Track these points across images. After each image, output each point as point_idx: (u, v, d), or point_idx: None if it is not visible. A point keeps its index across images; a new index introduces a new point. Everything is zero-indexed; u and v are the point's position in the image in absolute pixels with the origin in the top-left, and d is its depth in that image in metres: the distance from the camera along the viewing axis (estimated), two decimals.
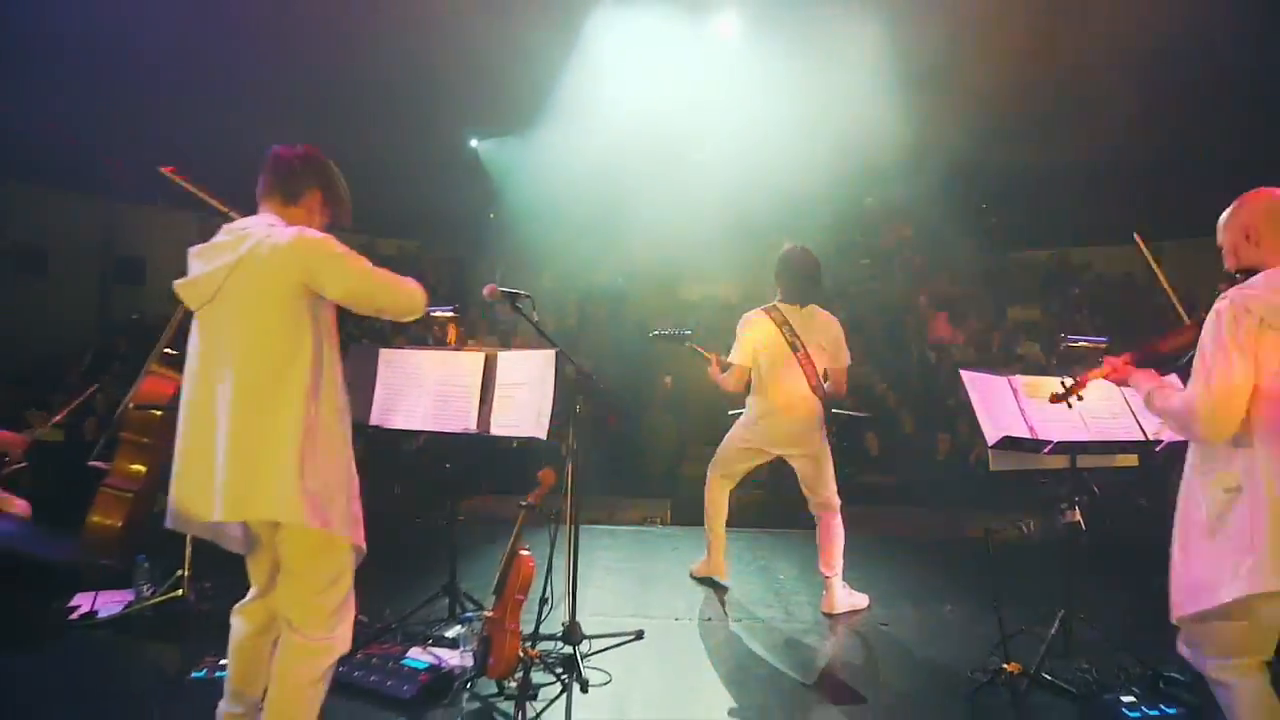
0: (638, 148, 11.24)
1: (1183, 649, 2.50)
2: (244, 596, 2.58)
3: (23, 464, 3.90)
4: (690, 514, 6.52)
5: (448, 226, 14.94)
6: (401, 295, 2.45)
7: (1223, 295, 2.34)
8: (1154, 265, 3.41)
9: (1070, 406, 2.89)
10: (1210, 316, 2.33)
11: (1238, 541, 2.23)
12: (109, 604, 3.92)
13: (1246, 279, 2.36)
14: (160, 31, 10.21)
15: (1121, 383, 2.74)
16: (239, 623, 2.58)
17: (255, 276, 2.28)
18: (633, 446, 8.01)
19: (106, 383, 8.86)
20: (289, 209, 2.44)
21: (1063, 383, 2.87)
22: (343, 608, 2.38)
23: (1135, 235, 3.64)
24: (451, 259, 15.29)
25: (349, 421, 2.44)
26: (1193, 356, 2.35)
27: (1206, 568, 2.31)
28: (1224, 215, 2.49)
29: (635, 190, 12.26)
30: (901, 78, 10.87)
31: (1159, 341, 2.68)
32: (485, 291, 3.14)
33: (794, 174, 10.67)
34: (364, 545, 2.42)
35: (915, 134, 11.69)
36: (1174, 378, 2.69)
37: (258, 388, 2.23)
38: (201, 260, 2.37)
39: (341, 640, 2.38)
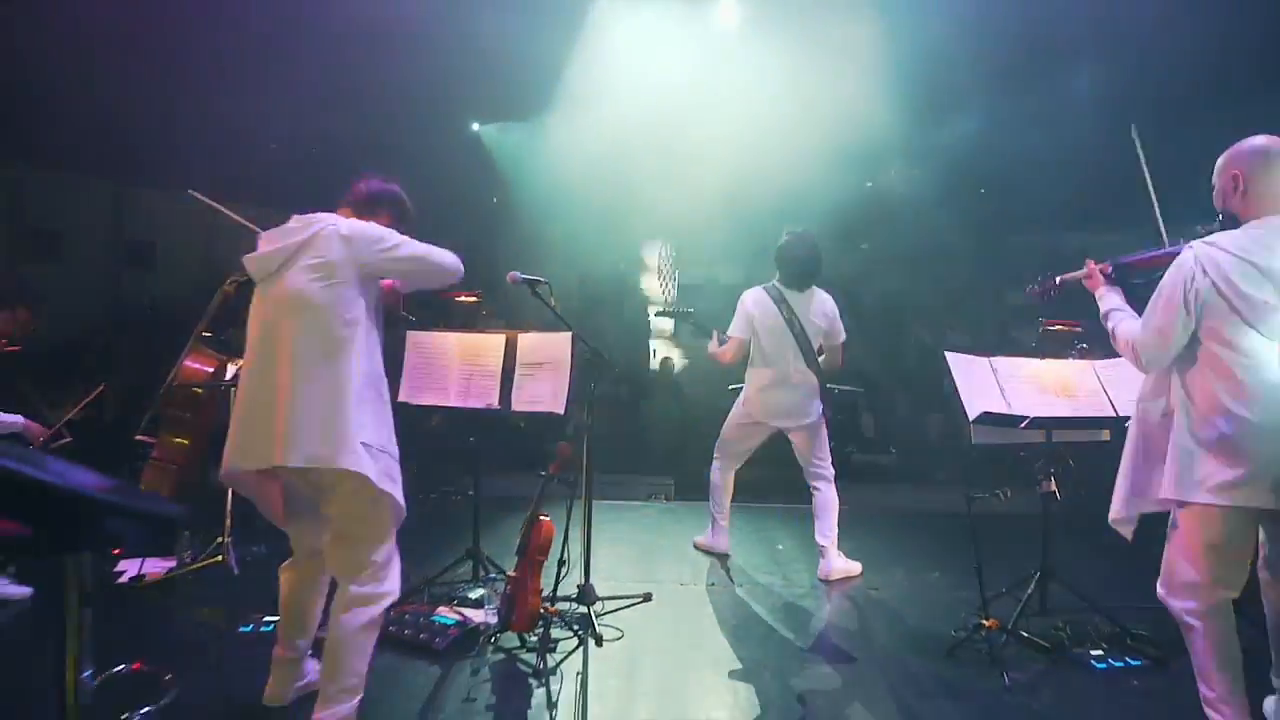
0: (639, 133, 11.45)
1: (1161, 593, 2.70)
2: (279, 561, 2.91)
3: (67, 439, 4.20)
4: (692, 490, 6.86)
5: (450, 210, 15.15)
6: (443, 266, 2.80)
7: (1190, 245, 2.57)
8: (1144, 166, 3.46)
9: (1045, 301, 3.28)
10: (1176, 261, 2.57)
11: (1163, 456, 2.58)
12: (152, 569, 4.25)
13: (1224, 227, 2.59)
14: (169, 16, 10.44)
15: (1093, 289, 3.00)
16: (286, 579, 2.90)
17: (318, 258, 2.58)
18: (636, 427, 8.32)
19: (123, 367, 9.19)
20: (359, 217, 2.75)
21: (1039, 278, 3.24)
22: (390, 560, 2.68)
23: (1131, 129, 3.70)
24: (454, 244, 15.51)
25: (388, 392, 2.74)
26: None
27: (1140, 476, 2.66)
28: (1222, 156, 2.66)
29: (636, 175, 12.49)
30: (901, 63, 11.11)
31: (1136, 260, 2.96)
32: (508, 278, 3.43)
33: (793, 159, 10.90)
34: (404, 507, 2.71)
35: (915, 119, 11.94)
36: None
37: (317, 354, 2.52)
38: (270, 240, 2.67)
39: (390, 590, 2.68)
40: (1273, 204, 2.52)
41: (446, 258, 2.81)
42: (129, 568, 4.28)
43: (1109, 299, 2.89)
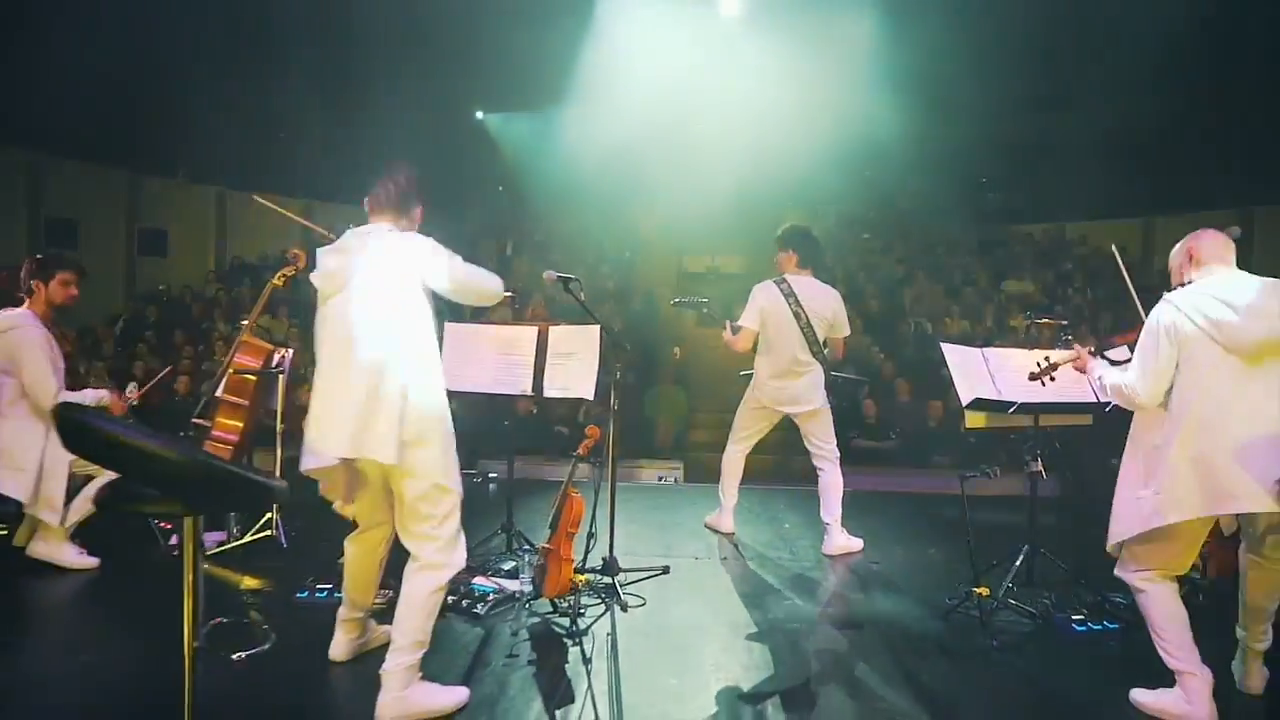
0: (644, 124, 11.79)
1: (1119, 570, 3.19)
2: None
3: (129, 421, 4.58)
4: (700, 474, 7.27)
5: (458, 198, 15.52)
6: (486, 288, 3.10)
7: (1165, 298, 3.05)
8: (1126, 275, 4.00)
9: (1044, 385, 3.69)
10: (1153, 313, 3.05)
11: (1156, 485, 2.96)
12: (208, 543, 4.63)
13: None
14: (182, 9, 10.75)
15: (1081, 369, 3.48)
16: (352, 549, 3.26)
17: (380, 272, 2.91)
18: (646, 414, 8.69)
19: (145, 353, 9.55)
20: (400, 220, 3.06)
21: (1039, 364, 3.67)
22: (457, 534, 3.04)
23: (1113, 249, 4.30)
24: (459, 232, 15.87)
25: (443, 378, 3.08)
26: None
27: (1136, 505, 3.05)
28: (1175, 248, 3.19)
29: (641, 166, 12.83)
30: (901, 55, 11.43)
31: (1116, 338, 3.56)
32: (544, 276, 3.79)
33: (795, 151, 11.25)
34: (460, 487, 3.07)
35: (916, 112, 12.27)
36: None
37: (385, 358, 2.84)
38: (332, 258, 2.97)
39: (458, 562, 3.02)
40: (1216, 263, 3.05)
41: (489, 283, 3.09)
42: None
43: (1098, 368, 3.35)
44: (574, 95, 12.47)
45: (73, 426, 2.30)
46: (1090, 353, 3.49)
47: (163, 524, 4.84)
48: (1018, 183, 15.07)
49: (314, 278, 3.02)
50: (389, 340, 2.88)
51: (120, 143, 11.41)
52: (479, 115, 16.69)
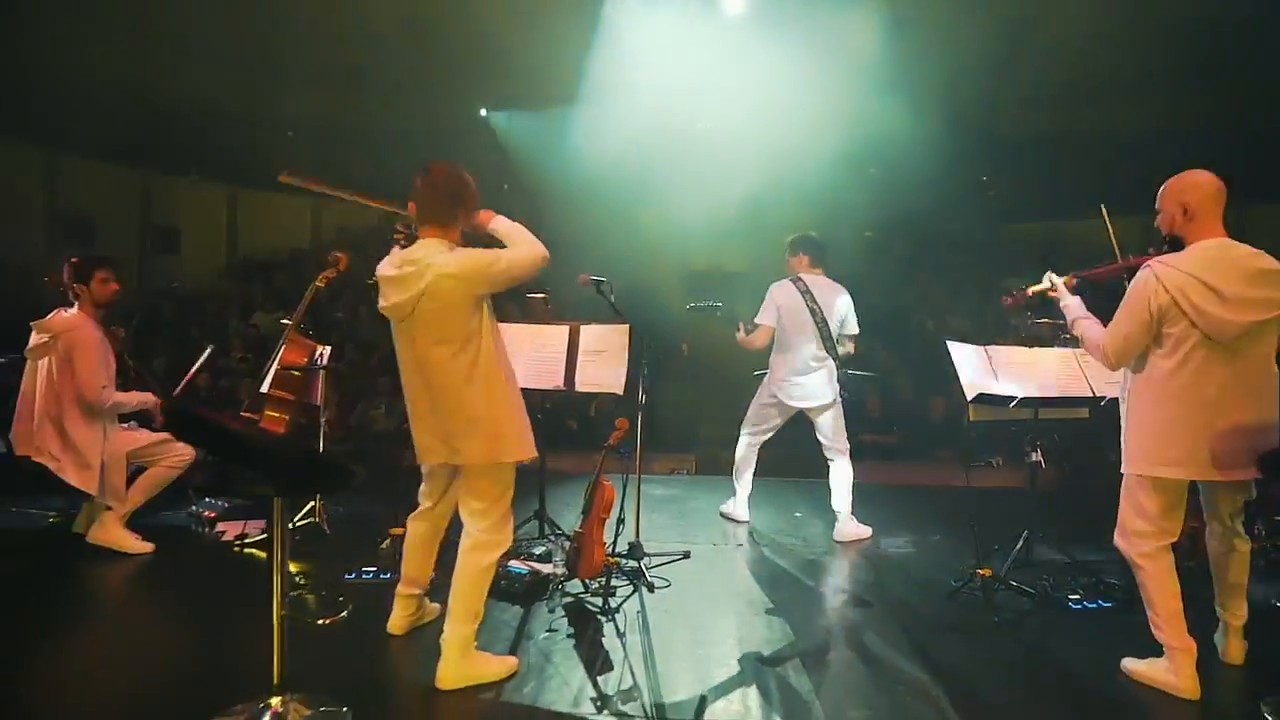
0: (652, 124, 12.08)
1: (1118, 539, 3.41)
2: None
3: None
4: (711, 465, 7.59)
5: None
6: (536, 265, 3.24)
7: (1147, 264, 3.21)
8: (1111, 232, 4.11)
9: (1018, 309, 4.02)
10: (1136, 277, 3.22)
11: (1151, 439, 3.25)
12: (252, 530, 4.96)
13: (1170, 249, 3.24)
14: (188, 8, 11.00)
15: (1057, 300, 3.66)
16: (413, 527, 3.61)
17: (440, 297, 3.09)
18: (657, 409, 9.01)
19: (162, 346, 9.85)
20: (449, 230, 3.24)
21: (1010, 292, 3.98)
22: (508, 516, 3.35)
23: (1101, 208, 4.42)
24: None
25: (512, 372, 3.37)
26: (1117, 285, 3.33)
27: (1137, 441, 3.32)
28: (1167, 184, 3.28)
29: (649, 165, 13.10)
30: (904, 55, 11.72)
31: (1096, 273, 3.66)
32: (579, 280, 4.12)
33: (800, 150, 11.54)
34: (535, 453, 3.36)
35: (916, 109, 12.56)
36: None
37: (459, 371, 3.12)
38: (395, 289, 3.14)
39: (507, 540, 3.35)
40: (1212, 229, 3.20)
41: (537, 251, 3.23)
42: (229, 529, 5.00)
43: (1074, 308, 3.57)
44: (582, 94, 12.73)
45: (187, 419, 2.65)
46: (1070, 288, 3.63)
47: (207, 514, 5.19)
48: (1018, 181, 15.35)
49: (381, 308, 3.21)
50: (457, 355, 3.11)
51: (133, 141, 11.67)
52: (483, 113, 16.94)
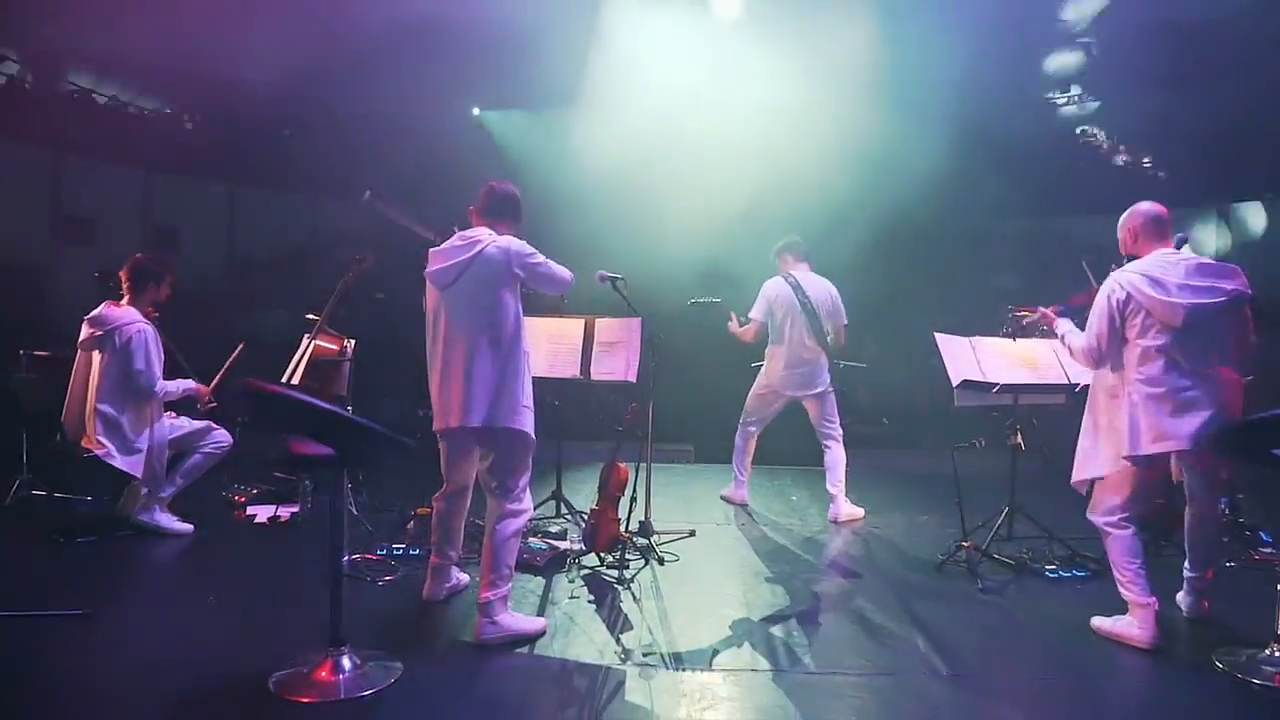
0: (649, 124, 12.40)
1: (1090, 513, 3.89)
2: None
3: (213, 404, 5.28)
4: (710, 453, 7.99)
5: (456, 196, 16.03)
6: (562, 283, 3.81)
7: (1112, 274, 3.81)
8: (1090, 276, 4.77)
9: (1014, 340, 4.65)
10: (1102, 287, 3.82)
11: (1114, 427, 3.72)
12: (283, 514, 5.34)
13: (1129, 262, 3.82)
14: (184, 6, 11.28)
15: (1049, 325, 4.23)
16: (439, 506, 4.00)
17: (484, 270, 3.58)
18: (657, 399, 9.39)
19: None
20: (497, 225, 3.76)
21: (1008, 323, 4.57)
22: (528, 487, 3.76)
23: (1083, 263, 5.03)
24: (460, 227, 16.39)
25: (528, 354, 3.77)
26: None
27: (1096, 447, 3.82)
28: (1122, 217, 3.92)
29: (647, 165, 13.44)
30: (892, 57, 12.10)
31: (1074, 300, 4.32)
32: (597, 277, 4.53)
33: (796, 151, 11.91)
34: (534, 435, 3.75)
35: (908, 109, 12.94)
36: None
37: (486, 341, 3.55)
38: (443, 258, 3.65)
39: (529, 508, 3.76)
40: (1156, 246, 3.78)
41: (566, 274, 3.81)
42: (259, 512, 5.38)
43: (1063, 326, 4.11)
44: (579, 94, 13.00)
45: (267, 397, 3.03)
46: (1059, 313, 4.23)
47: (238, 497, 5.57)
48: (1005, 179, 15.77)
49: (428, 274, 3.71)
50: (489, 327, 3.58)
51: (135, 141, 11.94)
52: (475, 111, 17.22)
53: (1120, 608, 3.81)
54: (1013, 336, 4.65)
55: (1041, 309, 4.30)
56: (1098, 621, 3.88)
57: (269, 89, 12.66)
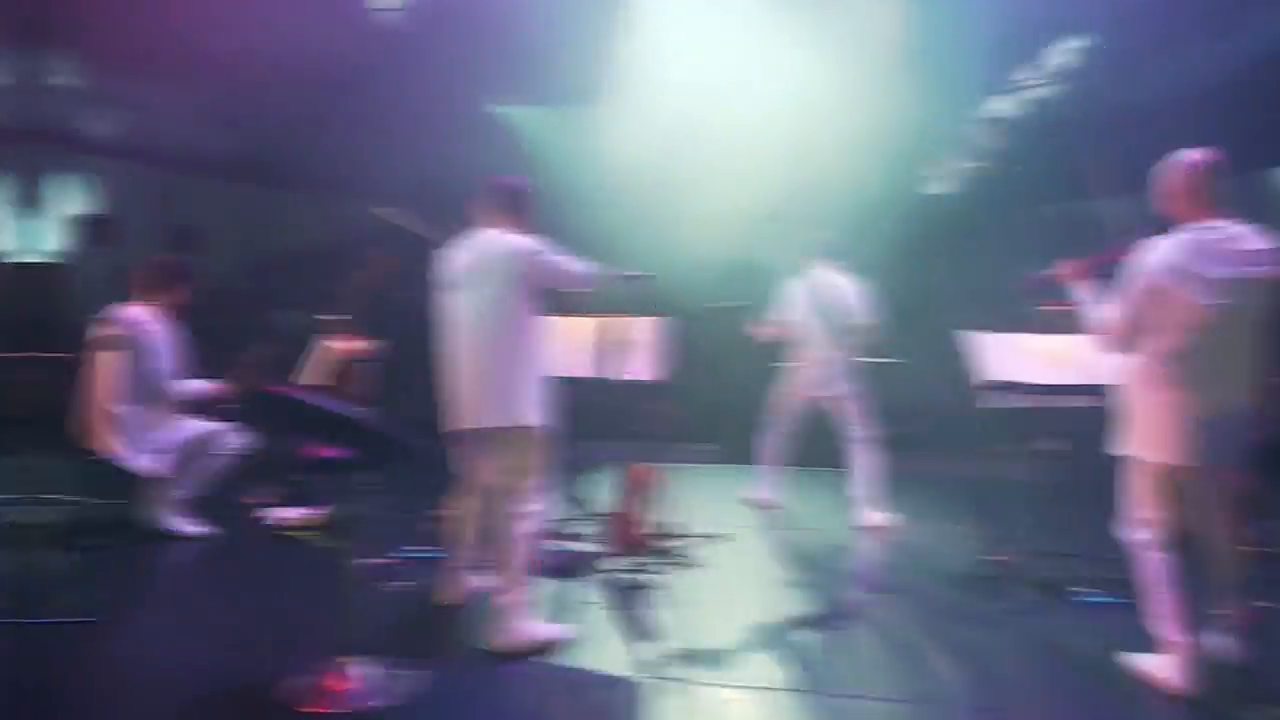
0: (672, 122, 12.32)
1: (1120, 529, 3.60)
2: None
3: (231, 405, 5.27)
4: (732, 454, 7.90)
5: (475, 194, 15.98)
6: (577, 280, 3.76)
7: (1145, 250, 3.34)
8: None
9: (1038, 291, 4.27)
10: (1135, 265, 3.34)
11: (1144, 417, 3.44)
12: (299, 517, 5.32)
13: (1164, 231, 3.35)
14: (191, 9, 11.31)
15: (1070, 284, 3.81)
16: (457, 507, 3.97)
17: (489, 269, 3.55)
18: (680, 400, 9.31)
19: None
20: (504, 222, 3.70)
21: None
22: (540, 487, 3.70)
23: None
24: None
25: (542, 354, 3.72)
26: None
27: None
28: (1162, 168, 3.36)
29: (669, 163, 13.37)
30: (920, 39, 11.91)
31: (1100, 256, 3.75)
32: (622, 276, 4.46)
33: (818, 144, 11.78)
34: (548, 435, 3.69)
35: (937, 92, 12.73)
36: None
37: (499, 339, 3.52)
38: (450, 259, 3.65)
39: (537, 509, 3.69)
40: (1206, 209, 3.30)
41: (585, 269, 3.75)
42: (275, 516, 5.36)
43: (1087, 292, 3.73)
44: (602, 89, 12.91)
45: (291, 405, 3.00)
46: (1081, 271, 3.75)
47: (254, 500, 5.56)
48: (1035, 164, 15.49)
49: (437, 275, 3.69)
50: (489, 332, 3.54)
51: (156, 142, 12.03)
52: (496, 108, 17.20)
53: (1154, 640, 3.46)
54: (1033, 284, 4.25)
55: (1069, 263, 3.83)
56: (1129, 658, 3.56)
57: (289, 87, 12.82)
